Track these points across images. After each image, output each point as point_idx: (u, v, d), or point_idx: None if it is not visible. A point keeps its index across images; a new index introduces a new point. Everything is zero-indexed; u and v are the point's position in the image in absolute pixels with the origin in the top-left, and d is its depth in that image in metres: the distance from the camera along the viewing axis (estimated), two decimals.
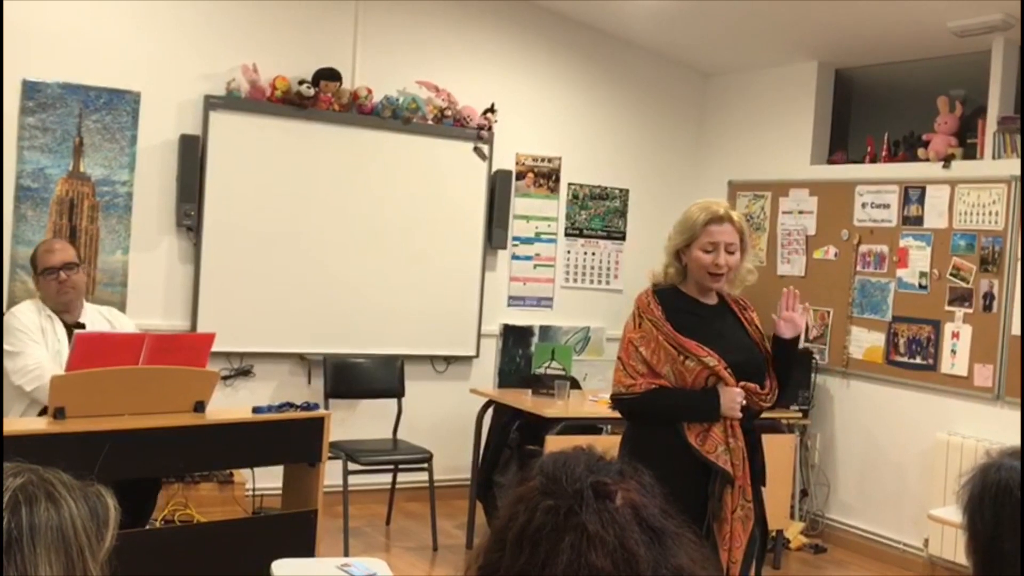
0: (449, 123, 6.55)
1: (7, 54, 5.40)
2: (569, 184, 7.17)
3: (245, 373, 6.07)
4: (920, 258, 6.02)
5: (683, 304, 3.41)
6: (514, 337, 6.94)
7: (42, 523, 1.23)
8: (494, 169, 6.75)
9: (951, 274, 5.85)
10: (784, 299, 3.46)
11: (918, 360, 6.01)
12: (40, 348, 4.36)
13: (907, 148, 6.34)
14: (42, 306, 4.53)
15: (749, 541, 3.34)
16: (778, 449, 5.73)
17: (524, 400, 5.71)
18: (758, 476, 3.44)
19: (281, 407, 4.41)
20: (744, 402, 3.31)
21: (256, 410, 4.36)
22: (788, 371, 3.50)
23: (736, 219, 3.42)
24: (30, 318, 4.44)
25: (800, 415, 6.28)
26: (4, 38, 5.38)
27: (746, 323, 3.48)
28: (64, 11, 5.56)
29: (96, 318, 4.64)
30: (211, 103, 5.87)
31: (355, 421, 6.25)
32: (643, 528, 1.21)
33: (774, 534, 5.79)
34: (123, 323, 4.77)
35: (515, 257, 6.99)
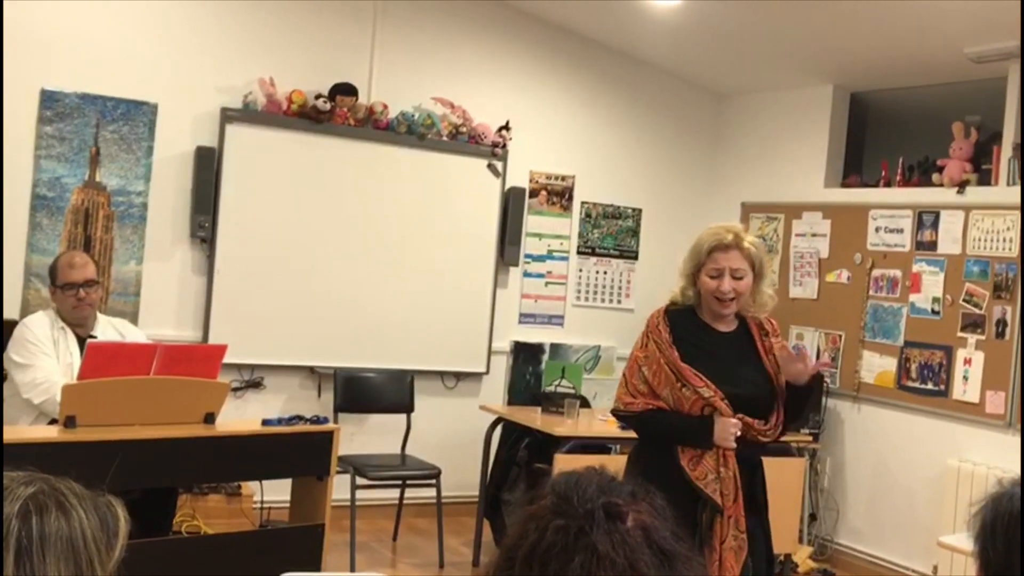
0: (464, 140, 6.57)
1: (26, 63, 5.44)
2: (582, 203, 7.18)
3: (255, 385, 6.08)
4: (933, 283, 6.00)
5: (695, 328, 3.39)
6: (524, 354, 6.93)
7: (52, 532, 1.23)
8: (507, 186, 6.76)
9: (964, 300, 5.83)
10: (785, 357, 3.38)
11: (930, 386, 5.99)
12: (51, 361, 4.35)
13: (921, 173, 6.33)
14: (55, 318, 4.52)
15: (742, 572, 3.30)
16: (787, 472, 5.71)
17: (533, 418, 5.71)
18: (759, 507, 3.40)
19: (291, 420, 4.41)
20: (739, 433, 3.27)
21: (266, 422, 4.36)
22: (800, 408, 3.47)
23: (746, 245, 3.37)
24: (42, 330, 4.43)
25: (810, 439, 6.26)
26: (23, 48, 5.43)
27: (763, 351, 3.42)
28: (83, 22, 5.60)
29: (108, 330, 4.63)
30: (228, 116, 5.90)
31: (364, 435, 6.24)
32: (653, 551, 1.20)
33: (782, 558, 5.77)
34: (134, 336, 4.77)
35: (527, 274, 7.00)
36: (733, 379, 3.32)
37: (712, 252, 3.34)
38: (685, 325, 3.39)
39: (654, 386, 3.33)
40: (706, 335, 3.39)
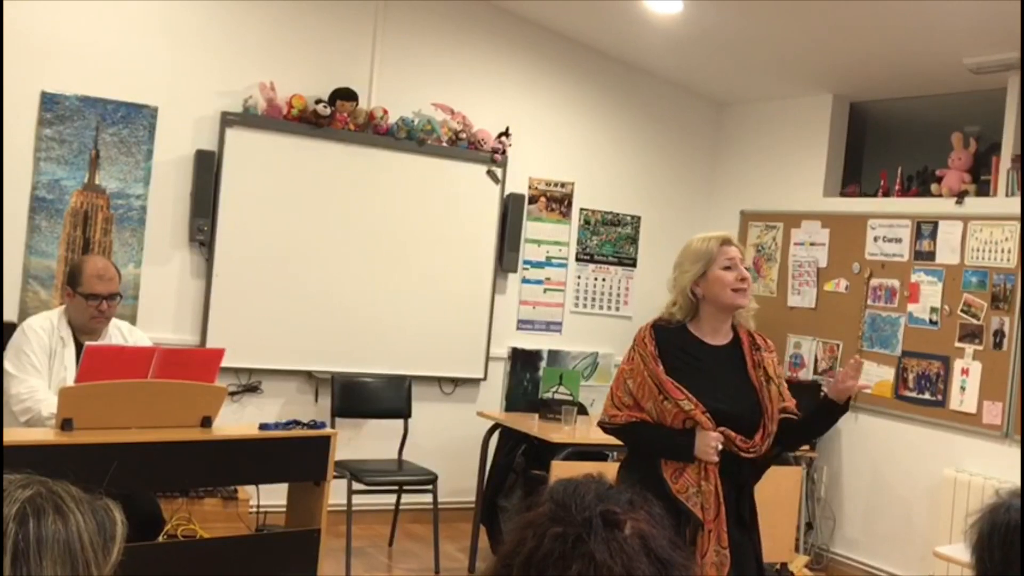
0: (463, 145, 6.58)
1: (26, 66, 5.44)
2: (581, 209, 7.18)
3: (253, 389, 6.07)
4: (931, 293, 6.01)
5: (682, 343, 3.37)
6: (522, 361, 6.93)
7: (49, 536, 1.23)
8: (507, 192, 6.77)
9: (962, 310, 5.84)
10: (847, 369, 3.31)
11: (927, 396, 5.99)
12: (39, 380, 4.19)
13: (920, 183, 6.34)
14: (59, 323, 4.35)
15: None
16: (784, 481, 5.71)
17: (531, 424, 5.70)
18: (746, 525, 3.37)
19: (288, 424, 4.40)
20: (720, 447, 3.25)
21: (263, 427, 4.35)
22: (823, 427, 3.49)
23: (739, 245, 3.48)
24: (40, 339, 4.26)
25: (807, 448, 6.25)
26: (24, 50, 5.43)
27: (751, 366, 3.39)
28: (84, 24, 5.61)
29: (115, 336, 4.52)
30: (227, 119, 5.90)
31: (361, 440, 6.24)
32: (651, 559, 1.21)
33: (778, 567, 5.76)
34: (139, 341, 4.63)
35: (525, 281, 7.00)
36: (716, 393, 3.29)
37: (723, 246, 3.38)
38: (672, 339, 3.37)
39: (638, 398, 3.33)
40: (694, 349, 3.37)
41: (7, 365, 4.24)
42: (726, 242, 3.38)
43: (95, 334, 4.38)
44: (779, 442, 3.39)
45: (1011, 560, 1.54)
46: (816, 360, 6.62)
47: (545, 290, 7.08)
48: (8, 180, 5.41)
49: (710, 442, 3.24)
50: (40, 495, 1.26)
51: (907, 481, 6.05)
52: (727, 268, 3.34)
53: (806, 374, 6.62)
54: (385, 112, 6.31)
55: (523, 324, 7.01)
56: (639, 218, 7.40)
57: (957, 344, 5.85)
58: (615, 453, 5.56)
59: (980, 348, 5.74)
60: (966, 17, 5.21)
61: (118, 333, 4.51)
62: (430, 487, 5.75)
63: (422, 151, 6.45)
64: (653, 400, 3.30)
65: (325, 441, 4.38)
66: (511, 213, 6.76)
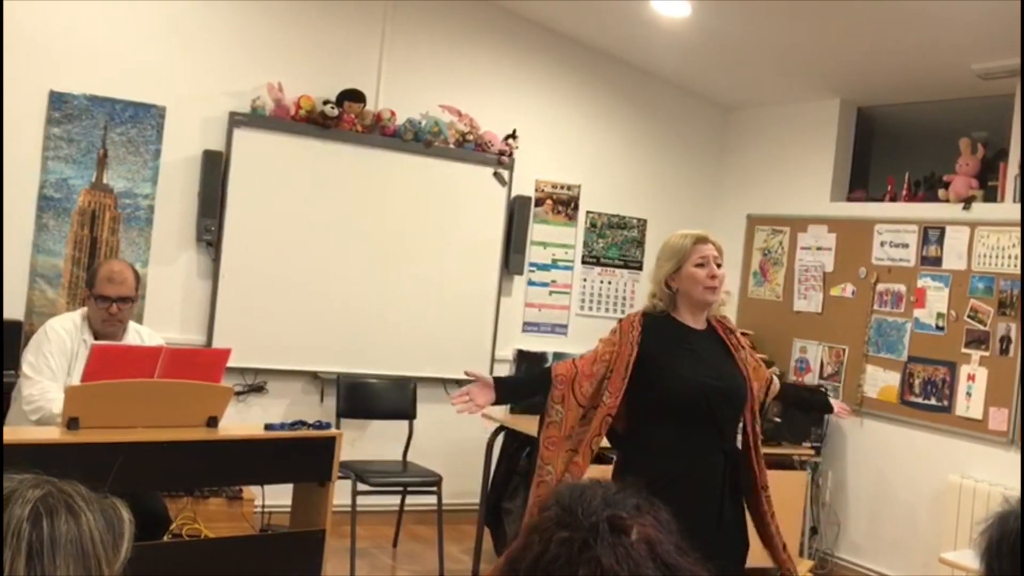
0: (470, 147, 6.58)
1: (35, 65, 5.46)
2: (587, 212, 7.18)
3: (258, 390, 6.08)
4: (937, 299, 6.00)
5: (671, 329, 3.53)
6: (528, 363, 6.92)
7: (62, 535, 1.24)
8: (513, 195, 6.77)
9: (968, 316, 5.83)
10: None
11: (933, 401, 5.98)
12: (53, 382, 4.17)
13: (927, 188, 6.33)
14: (82, 325, 4.34)
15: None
16: (789, 486, 5.71)
17: (535, 427, 5.69)
18: (737, 495, 3.50)
19: (293, 425, 4.41)
20: None
21: (268, 427, 4.36)
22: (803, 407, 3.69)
23: (716, 242, 3.58)
24: (61, 340, 4.26)
25: (812, 452, 6.25)
26: (33, 50, 5.45)
27: (732, 348, 3.57)
28: (92, 24, 5.62)
29: (133, 339, 4.51)
30: (235, 120, 5.91)
31: (366, 441, 6.24)
32: (657, 564, 1.21)
33: (781, 572, 5.75)
34: (154, 343, 4.62)
35: (531, 283, 7.00)
36: (711, 372, 3.44)
37: (696, 244, 3.53)
38: (661, 326, 3.54)
39: (590, 361, 3.66)
40: (682, 334, 3.53)
41: (24, 367, 4.23)
42: (701, 240, 3.54)
43: (113, 337, 4.37)
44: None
45: (1021, 568, 1.54)
46: (822, 365, 6.61)
47: (551, 292, 7.08)
48: (16, 179, 5.42)
49: None
50: (51, 495, 1.27)
51: (912, 487, 6.05)
52: (699, 265, 3.50)
53: (812, 379, 6.61)
54: (392, 114, 6.32)
55: (528, 326, 7.01)
56: (645, 221, 7.40)
57: (963, 350, 5.84)
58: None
59: (986, 354, 5.73)
60: (974, 22, 5.21)
61: (137, 337, 4.49)
62: (434, 489, 5.75)
63: (429, 153, 6.45)
64: (614, 385, 3.53)
65: (330, 442, 4.39)
66: (517, 215, 6.76)
